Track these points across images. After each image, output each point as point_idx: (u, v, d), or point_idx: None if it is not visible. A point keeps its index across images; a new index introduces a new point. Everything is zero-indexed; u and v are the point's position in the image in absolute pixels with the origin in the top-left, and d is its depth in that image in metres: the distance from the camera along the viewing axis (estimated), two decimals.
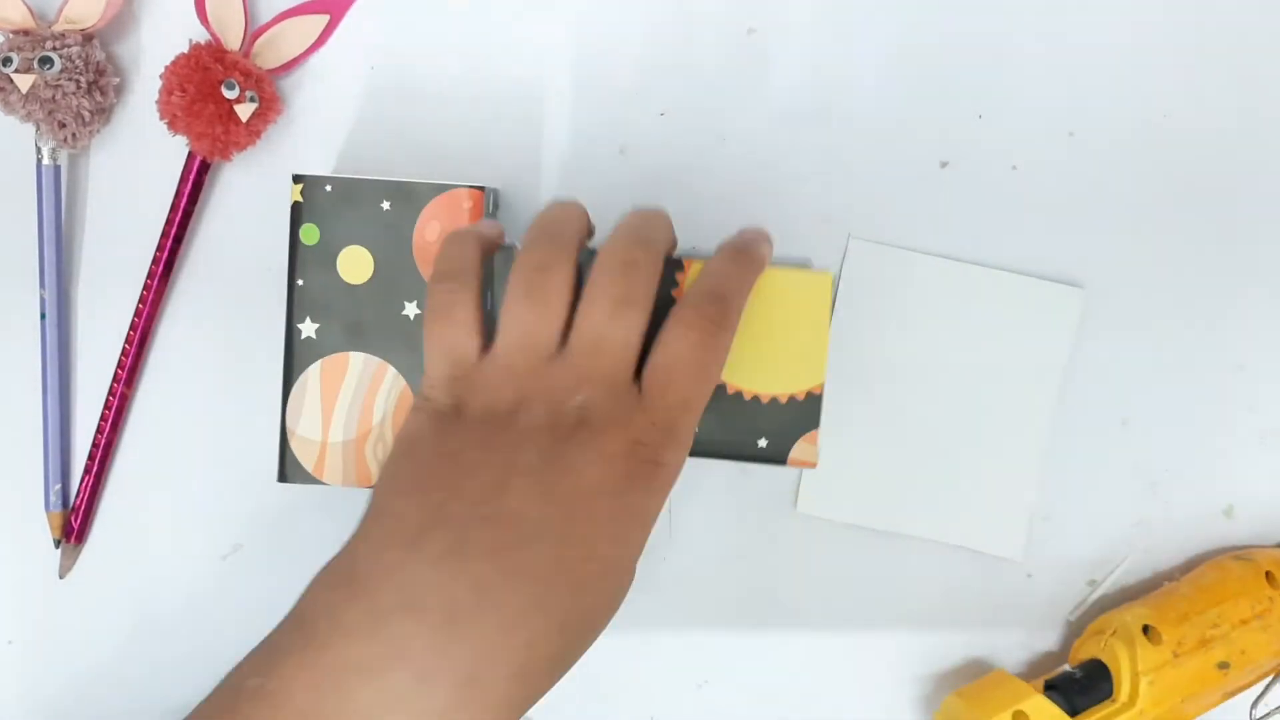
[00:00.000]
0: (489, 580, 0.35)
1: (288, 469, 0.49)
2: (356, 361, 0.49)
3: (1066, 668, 0.51)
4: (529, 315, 0.40)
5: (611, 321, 0.40)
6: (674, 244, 0.46)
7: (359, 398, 0.49)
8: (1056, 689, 0.50)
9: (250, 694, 0.36)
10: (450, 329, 0.40)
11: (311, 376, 0.49)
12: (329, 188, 0.48)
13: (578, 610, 0.37)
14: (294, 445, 0.49)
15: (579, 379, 0.39)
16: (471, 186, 0.49)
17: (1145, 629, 0.49)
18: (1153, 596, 0.52)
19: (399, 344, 0.49)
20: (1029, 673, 0.54)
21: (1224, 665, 0.49)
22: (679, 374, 0.40)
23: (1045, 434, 0.53)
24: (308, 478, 0.49)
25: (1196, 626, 0.49)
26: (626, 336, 0.40)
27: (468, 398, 0.40)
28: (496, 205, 0.52)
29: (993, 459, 0.53)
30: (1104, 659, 0.50)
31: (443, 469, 0.38)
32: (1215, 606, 0.49)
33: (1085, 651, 0.51)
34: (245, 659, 0.38)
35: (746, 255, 0.44)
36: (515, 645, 0.35)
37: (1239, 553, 0.52)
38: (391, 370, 0.49)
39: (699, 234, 0.53)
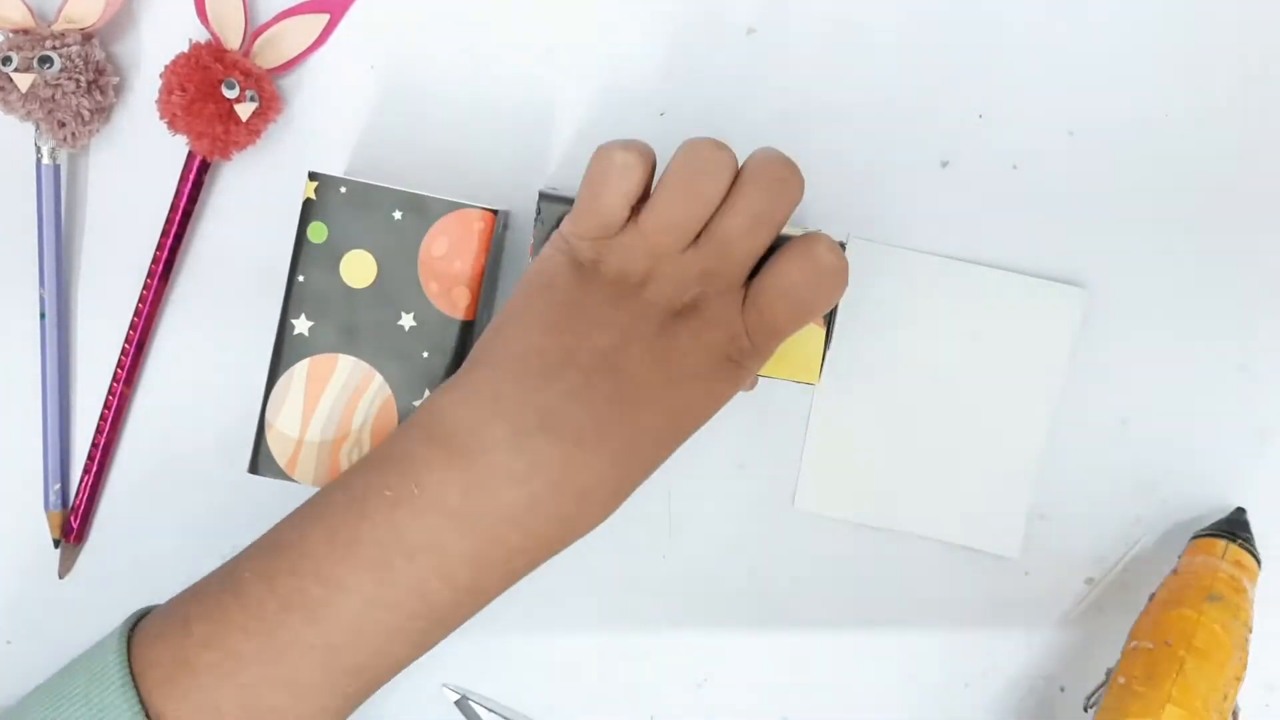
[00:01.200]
0: (607, 420, 0.42)
1: (260, 461, 0.49)
2: (345, 365, 0.49)
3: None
4: (682, 205, 0.44)
5: (746, 234, 0.44)
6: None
7: (342, 401, 0.49)
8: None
9: (389, 502, 0.43)
10: (616, 195, 0.43)
11: (298, 373, 0.49)
12: (343, 189, 0.48)
13: (652, 458, 0.44)
14: (270, 438, 0.49)
15: (704, 272, 0.44)
16: (485, 208, 0.49)
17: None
18: (1175, 686, 0.48)
19: (390, 354, 0.49)
20: (1032, 671, 0.54)
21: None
22: (782, 304, 0.44)
23: (1044, 433, 0.53)
24: (279, 473, 0.49)
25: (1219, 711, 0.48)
26: (752, 248, 0.44)
27: (607, 257, 0.45)
28: (506, 226, 0.52)
29: (992, 457, 0.53)
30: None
31: (576, 316, 0.44)
32: (1221, 674, 0.48)
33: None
34: (336, 491, 0.45)
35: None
36: (618, 474, 0.43)
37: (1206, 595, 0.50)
38: (379, 379, 0.49)
39: None
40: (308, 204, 0.49)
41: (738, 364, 0.45)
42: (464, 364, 0.45)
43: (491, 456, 0.42)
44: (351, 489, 0.44)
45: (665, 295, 0.45)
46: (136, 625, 0.46)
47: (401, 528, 0.42)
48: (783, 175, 0.45)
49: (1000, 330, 0.53)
